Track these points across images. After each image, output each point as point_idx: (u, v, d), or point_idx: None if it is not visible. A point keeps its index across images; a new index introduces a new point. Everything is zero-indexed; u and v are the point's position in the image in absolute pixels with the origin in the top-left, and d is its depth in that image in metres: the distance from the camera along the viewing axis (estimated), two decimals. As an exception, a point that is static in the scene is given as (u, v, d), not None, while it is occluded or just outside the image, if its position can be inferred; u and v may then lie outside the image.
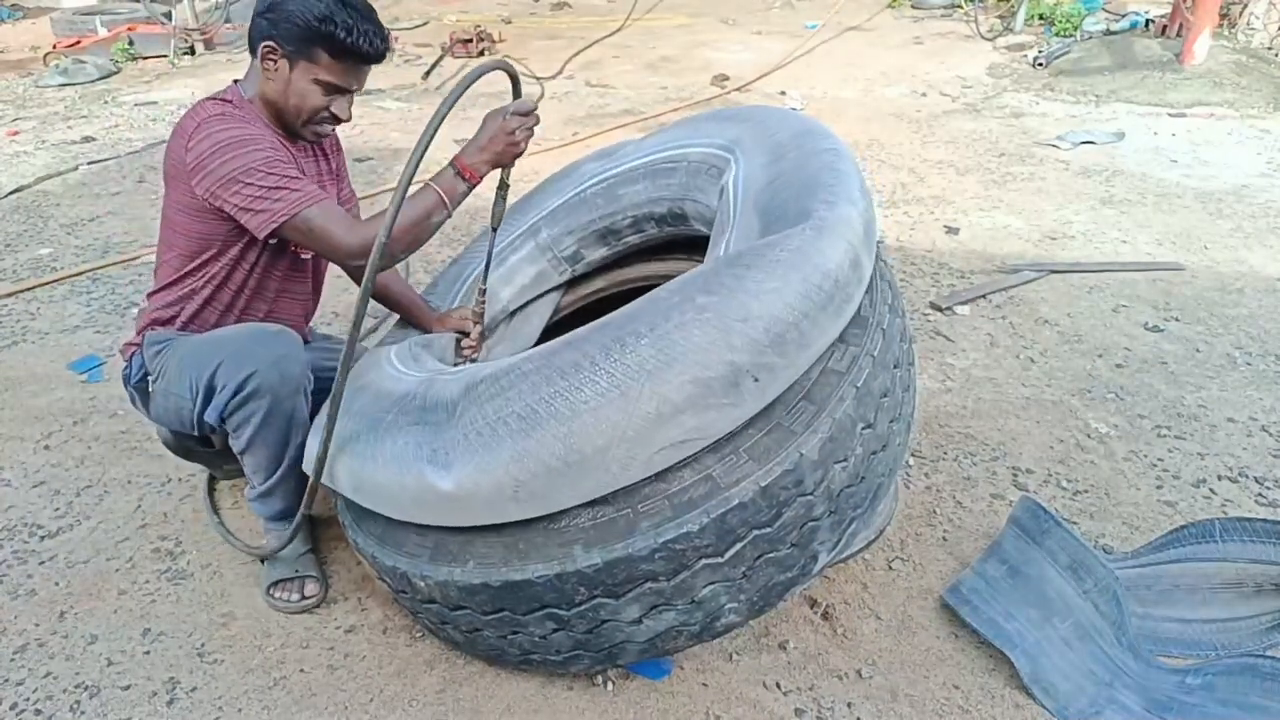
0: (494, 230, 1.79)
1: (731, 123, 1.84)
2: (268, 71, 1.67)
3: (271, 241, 1.76)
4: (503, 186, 1.72)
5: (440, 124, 1.35)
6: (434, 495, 1.32)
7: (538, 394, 1.25)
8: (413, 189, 1.42)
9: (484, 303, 1.88)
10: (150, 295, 1.85)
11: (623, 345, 1.24)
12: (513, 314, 2.12)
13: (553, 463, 1.23)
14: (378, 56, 1.66)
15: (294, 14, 1.59)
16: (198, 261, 1.77)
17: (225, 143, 1.60)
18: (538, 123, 1.63)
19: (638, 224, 2.00)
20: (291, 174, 1.63)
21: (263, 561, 1.87)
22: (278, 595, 1.79)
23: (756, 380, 1.25)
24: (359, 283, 1.65)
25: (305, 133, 1.75)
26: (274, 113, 1.73)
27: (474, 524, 1.37)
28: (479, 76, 1.40)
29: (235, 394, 1.63)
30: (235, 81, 1.77)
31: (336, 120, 1.73)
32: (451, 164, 1.62)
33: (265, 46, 1.65)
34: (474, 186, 1.63)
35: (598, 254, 2.08)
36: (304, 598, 1.78)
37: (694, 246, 2.06)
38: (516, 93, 1.63)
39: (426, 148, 1.35)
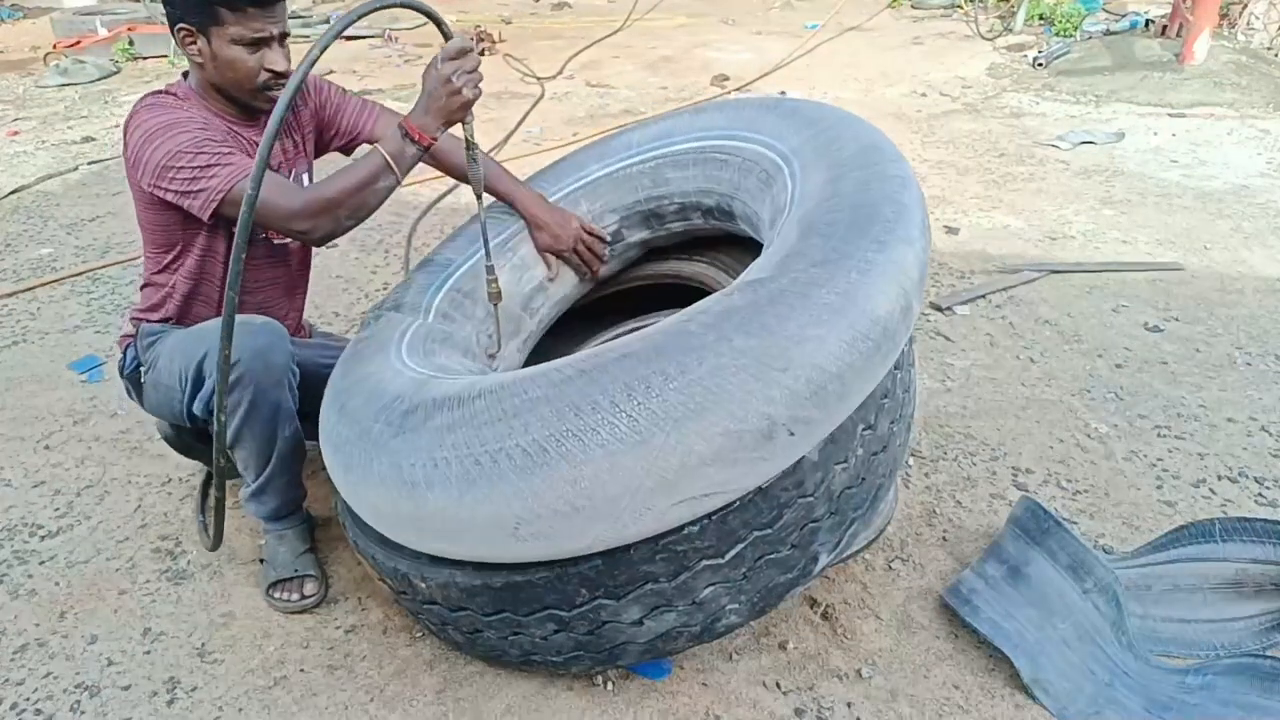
0: (479, 198, 1.67)
1: (794, 123, 1.69)
2: (193, 57, 1.65)
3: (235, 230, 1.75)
4: (470, 146, 1.59)
5: (324, 50, 1.29)
6: (428, 519, 1.27)
7: (547, 429, 1.16)
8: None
9: (495, 281, 1.72)
10: (140, 289, 1.86)
11: (648, 387, 1.14)
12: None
13: (559, 506, 1.15)
14: None
15: None
16: (170, 256, 1.76)
17: (153, 130, 1.58)
18: (477, 64, 1.51)
19: (684, 212, 1.90)
20: (224, 150, 1.59)
21: (262, 562, 1.87)
22: (277, 595, 1.79)
23: (792, 434, 1.16)
24: (319, 245, 1.63)
25: (261, 102, 1.69)
26: (225, 97, 1.69)
27: (476, 558, 1.33)
28: (377, 10, 1.33)
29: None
30: (184, 75, 1.74)
31: (278, 75, 1.66)
32: (399, 126, 1.55)
33: (179, 32, 1.62)
34: (426, 149, 1.56)
35: (639, 236, 1.98)
36: (303, 597, 1.78)
37: (722, 244, 2.01)
38: (445, 35, 1.51)
39: (305, 76, 1.29)
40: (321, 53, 1.29)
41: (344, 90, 1.94)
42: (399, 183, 1.59)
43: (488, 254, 1.71)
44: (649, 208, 1.93)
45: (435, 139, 1.56)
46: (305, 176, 1.90)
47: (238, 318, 1.72)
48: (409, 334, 1.67)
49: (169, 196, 1.60)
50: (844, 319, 1.19)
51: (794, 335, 1.16)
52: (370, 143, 1.87)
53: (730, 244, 1.99)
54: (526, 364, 1.91)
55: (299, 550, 1.84)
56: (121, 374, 1.91)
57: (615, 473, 1.13)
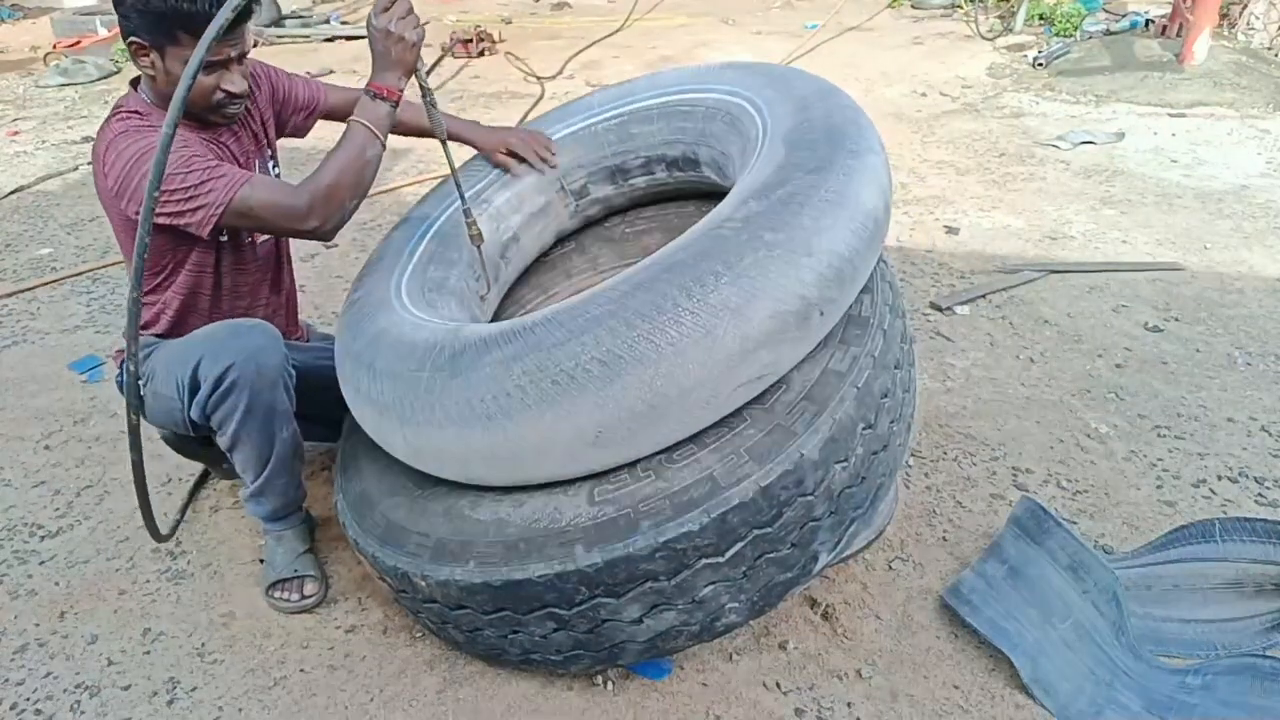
0: (444, 143, 1.72)
1: (752, 75, 1.84)
2: (145, 69, 1.63)
3: (223, 239, 1.75)
4: (426, 93, 1.65)
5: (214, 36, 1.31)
6: (507, 447, 1.32)
7: (618, 338, 1.24)
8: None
9: (475, 223, 1.76)
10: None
11: (703, 285, 1.25)
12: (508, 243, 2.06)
13: (638, 407, 1.25)
14: (239, 15, 1.56)
15: (139, 2, 1.53)
16: (160, 277, 1.76)
17: (135, 156, 1.56)
18: (409, 8, 1.54)
19: (648, 165, 2.01)
20: (211, 163, 1.58)
21: (262, 562, 1.87)
22: (277, 595, 1.79)
23: (822, 314, 1.32)
24: (329, 238, 1.63)
25: (217, 118, 1.69)
26: None
27: (553, 476, 1.37)
28: None
29: (214, 389, 1.62)
30: (134, 85, 1.71)
31: (233, 96, 1.65)
32: (366, 90, 1.58)
33: (132, 45, 1.59)
34: (396, 104, 1.59)
35: (604, 192, 2.08)
36: (303, 598, 1.79)
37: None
38: None
39: (207, 51, 1.32)
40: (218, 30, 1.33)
41: (288, 72, 1.97)
42: (384, 147, 1.61)
43: (462, 198, 1.76)
44: (615, 163, 2.03)
45: (401, 90, 1.59)
46: (270, 166, 1.90)
47: (230, 322, 1.74)
48: (404, 285, 1.70)
49: (161, 220, 1.56)
50: (845, 211, 1.37)
51: (811, 227, 1.33)
52: (328, 116, 1.96)
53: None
54: None
55: (298, 551, 1.84)
56: (120, 389, 1.90)
57: (686, 366, 1.24)
